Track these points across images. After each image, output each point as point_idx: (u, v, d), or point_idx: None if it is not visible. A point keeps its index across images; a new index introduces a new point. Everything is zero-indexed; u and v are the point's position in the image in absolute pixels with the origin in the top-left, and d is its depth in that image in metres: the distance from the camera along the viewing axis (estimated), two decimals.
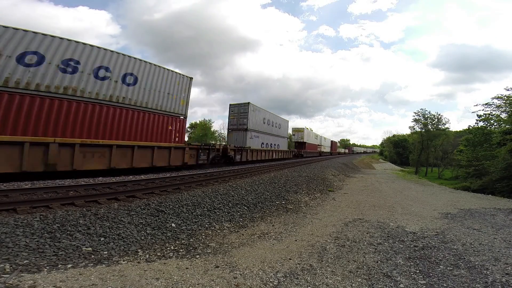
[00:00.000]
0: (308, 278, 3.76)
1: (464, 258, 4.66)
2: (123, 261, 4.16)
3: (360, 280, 3.77)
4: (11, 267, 3.38)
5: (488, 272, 4.10)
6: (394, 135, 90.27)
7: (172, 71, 12.92)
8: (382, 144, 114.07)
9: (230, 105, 21.51)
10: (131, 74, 10.98)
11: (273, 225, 6.85)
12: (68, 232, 4.53)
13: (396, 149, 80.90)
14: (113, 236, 4.80)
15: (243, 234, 6.03)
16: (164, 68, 12.54)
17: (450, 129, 48.63)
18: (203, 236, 5.67)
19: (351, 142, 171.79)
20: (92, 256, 4.13)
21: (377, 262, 4.42)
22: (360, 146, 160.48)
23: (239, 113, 20.58)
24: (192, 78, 14.34)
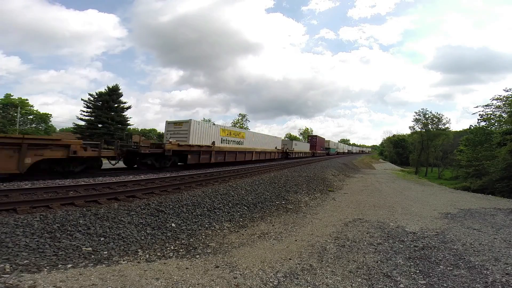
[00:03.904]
0: (308, 278, 3.76)
1: (464, 258, 4.66)
2: (123, 261, 4.16)
3: (360, 280, 3.77)
4: (11, 267, 3.38)
5: (488, 272, 4.10)
6: (394, 135, 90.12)
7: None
8: (382, 144, 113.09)
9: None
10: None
11: (273, 225, 6.85)
12: (68, 232, 4.53)
13: (396, 149, 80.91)
14: (113, 236, 4.80)
15: (243, 234, 6.03)
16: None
17: (450, 129, 48.71)
18: (203, 236, 5.68)
19: (351, 142, 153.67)
20: (92, 256, 4.13)
21: (377, 262, 4.42)
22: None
23: None
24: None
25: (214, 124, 16.85)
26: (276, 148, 27.09)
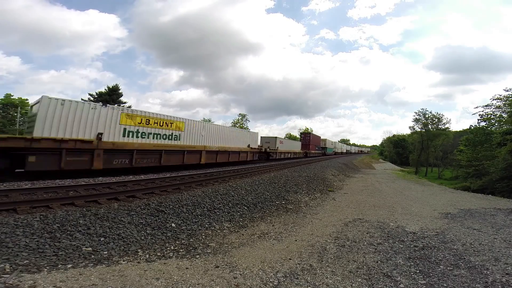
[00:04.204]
0: (308, 278, 3.76)
1: (464, 258, 4.66)
2: (123, 261, 4.16)
3: (360, 280, 3.77)
4: (11, 267, 3.38)
5: (488, 272, 4.10)
6: (394, 135, 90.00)
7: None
8: (382, 144, 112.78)
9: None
10: None
11: (273, 225, 6.85)
12: (68, 232, 4.53)
13: (396, 149, 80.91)
14: (113, 236, 4.80)
15: (243, 234, 6.03)
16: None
17: (450, 129, 48.74)
18: (203, 236, 5.67)
19: (351, 142, 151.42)
20: (92, 256, 4.13)
21: (377, 262, 4.42)
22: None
23: None
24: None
25: (105, 105, 10.45)
26: (249, 146, 20.52)
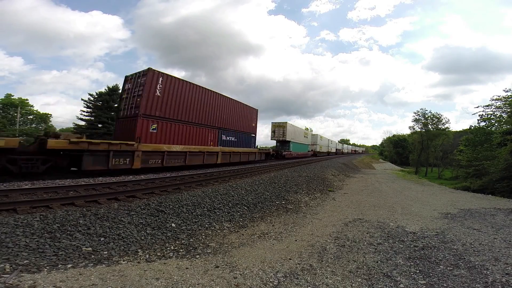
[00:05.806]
0: (308, 278, 3.76)
1: (464, 258, 4.66)
2: (123, 261, 4.16)
3: (360, 280, 3.77)
4: (11, 267, 3.38)
5: (488, 272, 4.10)
6: (394, 135, 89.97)
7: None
8: (382, 144, 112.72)
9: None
10: None
11: (273, 225, 6.85)
12: (68, 232, 4.53)
13: (396, 149, 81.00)
14: (113, 236, 4.80)
15: (243, 234, 6.03)
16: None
17: (450, 129, 48.72)
18: (203, 236, 5.67)
19: (351, 142, 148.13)
20: (92, 256, 4.13)
21: (377, 262, 4.42)
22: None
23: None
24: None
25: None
26: None
